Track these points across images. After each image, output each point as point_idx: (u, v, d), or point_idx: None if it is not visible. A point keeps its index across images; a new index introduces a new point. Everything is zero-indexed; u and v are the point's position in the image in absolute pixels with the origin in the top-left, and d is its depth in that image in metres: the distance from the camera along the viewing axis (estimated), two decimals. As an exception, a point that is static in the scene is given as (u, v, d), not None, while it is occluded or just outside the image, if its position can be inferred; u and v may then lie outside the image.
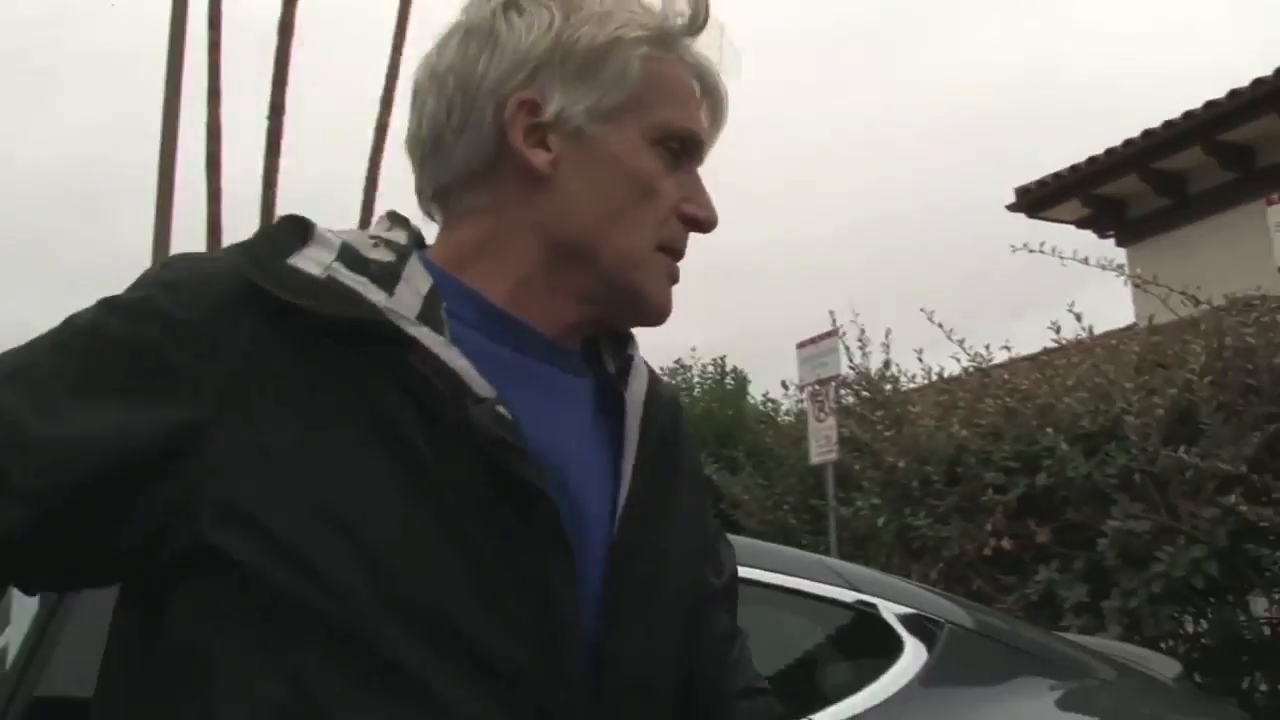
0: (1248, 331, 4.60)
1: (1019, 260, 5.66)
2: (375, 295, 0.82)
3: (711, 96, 0.97)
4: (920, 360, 6.62)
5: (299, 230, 0.85)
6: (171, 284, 0.81)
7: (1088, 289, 5.80)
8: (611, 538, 0.89)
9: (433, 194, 0.95)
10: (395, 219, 0.95)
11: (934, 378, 6.54)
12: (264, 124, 11.03)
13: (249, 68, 11.13)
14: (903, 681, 1.72)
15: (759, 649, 1.11)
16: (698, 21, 0.94)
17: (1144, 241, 9.64)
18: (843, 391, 7.30)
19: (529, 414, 0.84)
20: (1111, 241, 11.16)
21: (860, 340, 7.26)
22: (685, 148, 0.95)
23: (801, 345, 7.45)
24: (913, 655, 1.78)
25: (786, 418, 9.24)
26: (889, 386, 7.01)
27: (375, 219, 0.95)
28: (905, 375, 7.07)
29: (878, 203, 61.12)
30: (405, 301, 0.84)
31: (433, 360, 0.81)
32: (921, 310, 6.10)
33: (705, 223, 0.96)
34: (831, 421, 6.87)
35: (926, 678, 1.74)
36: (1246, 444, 4.17)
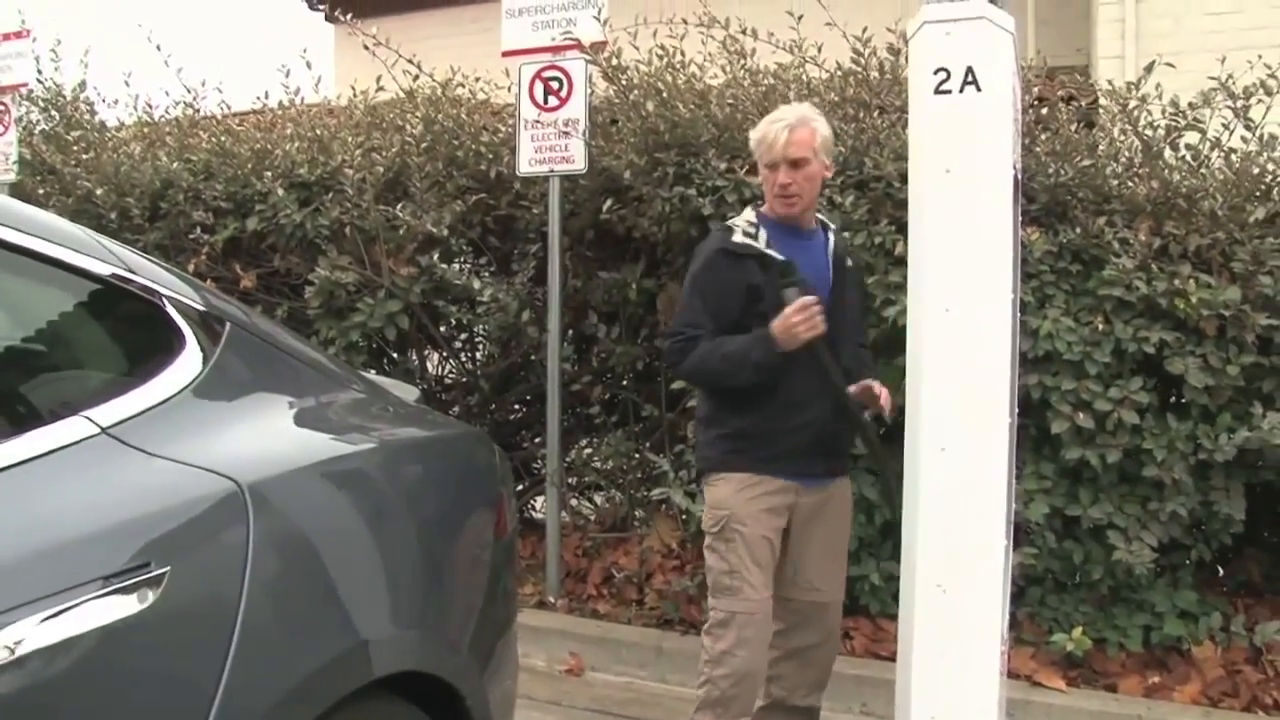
0: (457, 112, 4.99)
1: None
2: (754, 243, 2.90)
3: (780, 142, 2.88)
4: (128, 85, 5.98)
5: (729, 228, 3.00)
6: (699, 255, 3.04)
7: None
8: (829, 290, 2.92)
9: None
10: (754, 206, 3.07)
11: (141, 108, 5.96)
12: None
13: None
14: (180, 384, 1.56)
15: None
16: (770, 134, 2.91)
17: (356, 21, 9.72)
18: (27, 107, 6.33)
19: (798, 256, 2.87)
20: (321, 15, 11.13)
21: (54, 53, 6.34)
22: (773, 164, 2.90)
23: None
24: (194, 354, 1.62)
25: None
26: (84, 109, 6.24)
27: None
28: (107, 101, 6.32)
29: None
30: (760, 241, 2.90)
31: (771, 256, 2.87)
32: (139, 25, 5.48)
33: (782, 190, 2.90)
34: (11, 136, 5.93)
35: (204, 383, 1.60)
36: (449, 210, 4.56)
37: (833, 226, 3.14)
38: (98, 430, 1.39)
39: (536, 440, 5.17)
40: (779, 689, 3.04)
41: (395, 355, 5.18)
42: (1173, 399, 3.76)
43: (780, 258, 2.85)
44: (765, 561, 2.87)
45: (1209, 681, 3.61)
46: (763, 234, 2.91)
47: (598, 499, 5.11)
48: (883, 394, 2.84)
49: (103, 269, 1.59)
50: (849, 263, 3.08)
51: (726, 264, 2.91)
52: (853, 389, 2.85)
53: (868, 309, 3.14)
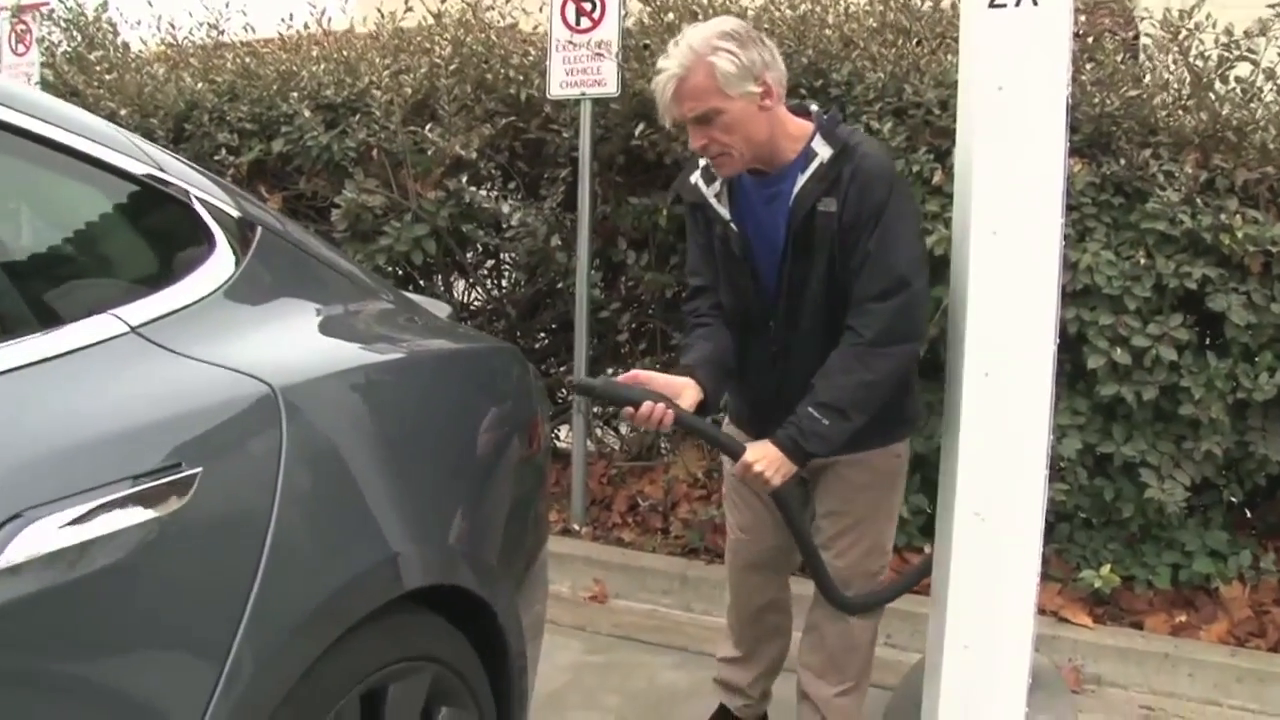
0: (486, 35, 4.89)
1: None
2: (706, 190, 2.47)
3: (667, 102, 2.33)
4: (151, 4, 5.89)
5: (695, 163, 2.50)
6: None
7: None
8: (780, 258, 2.41)
9: None
10: None
11: (164, 29, 5.88)
12: None
13: None
14: (210, 286, 1.53)
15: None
16: (657, 90, 2.34)
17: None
18: (48, 27, 6.26)
19: (746, 216, 2.44)
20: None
21: (69, -26, 6.25)
22: (678, 125, 2.44)
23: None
24: (225, 257, 1.58)
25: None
26: (107, 30, 6.16)
27: None
28: (129, 22, 6.24)
29: None
30: (716, 189, 2.45)
31: (716, 211, 2.46)
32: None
33: (701, 153, 2.40)
34: (33, 57, 5.87)
35: (235, 286, 1.56)
36: (477, 133, 4.48)
37: (824, 156, 2.31)
38: (127, 329, 1.36)
39: (563, 368, 5.14)
40: (799, 669, 2.85)
41: (421, 281, 5.14)
42: (1211, 337, 3.68)
43: (725, 214, 2.43)
44: (742, 502, 2.78)
45: (1236, 621, 3.58)
46: (719, 180, 2.44)
47: (623, 428, 5.10)
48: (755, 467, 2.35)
49: (135, 168, 1.55)
50: (830, 207, 2.30)
51: (688, 210, 2.58)
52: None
53: (877, 255, 2.27)
